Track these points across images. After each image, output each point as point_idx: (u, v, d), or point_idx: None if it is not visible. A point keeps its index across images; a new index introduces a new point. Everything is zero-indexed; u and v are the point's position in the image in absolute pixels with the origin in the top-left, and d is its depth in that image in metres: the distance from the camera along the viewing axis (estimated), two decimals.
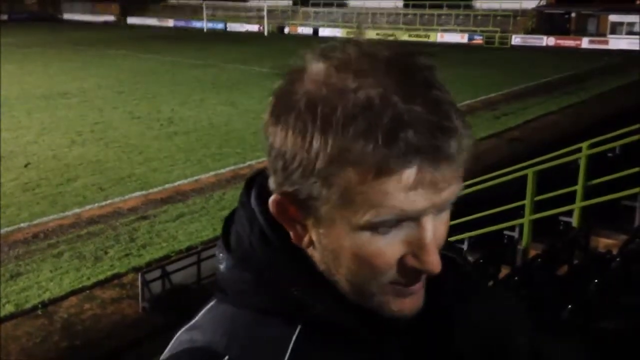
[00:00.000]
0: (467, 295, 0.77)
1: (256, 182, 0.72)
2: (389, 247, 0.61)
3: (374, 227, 0.60)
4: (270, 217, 0.67)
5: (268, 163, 0.65)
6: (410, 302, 0.66)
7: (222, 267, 0.71)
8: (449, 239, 0.67)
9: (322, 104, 0.58)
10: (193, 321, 0.71)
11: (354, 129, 0.56)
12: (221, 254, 0.71)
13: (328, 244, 0.63)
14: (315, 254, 0.66)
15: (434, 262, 0.62)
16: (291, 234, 0.66)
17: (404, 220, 0.60)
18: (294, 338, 0.66)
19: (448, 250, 0.78)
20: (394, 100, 0.56)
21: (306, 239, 0.65)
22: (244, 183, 0.74)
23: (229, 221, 0.73)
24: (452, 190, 0.60)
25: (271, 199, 0.65)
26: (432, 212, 0.61)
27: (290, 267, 0.67)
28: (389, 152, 0.56)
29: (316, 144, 0.58)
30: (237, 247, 0.70)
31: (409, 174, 0.57)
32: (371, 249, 0.61)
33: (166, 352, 0.69)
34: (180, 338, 0.69)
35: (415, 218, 0.60)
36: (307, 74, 0.60)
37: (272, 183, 0.65)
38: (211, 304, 0.71)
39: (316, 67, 0.60)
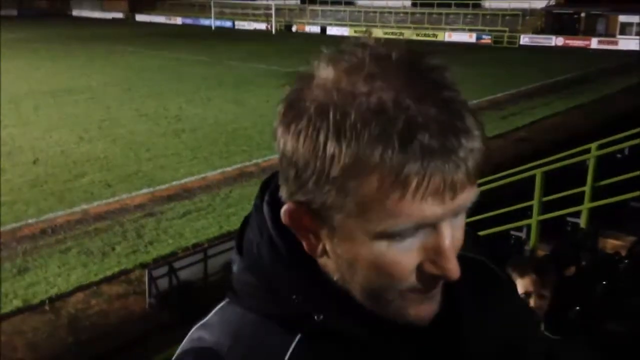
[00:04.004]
0: (486, 298, 0.77)
1: (269, 186, 0.71)
2: (406, 255, 0.60)
3: (390, 236, 0.59)
4: (280, 224, 0.66)
5: (280, 172, 0.63)
6: (428, 307, 0.65)
7: (234, 268, 0.72)
8: (479, 235, 0.66)
9: (333, 110, 0.56)
10: (206, 318, 0.72)
11: (369, 134, 0.54)
12: (234, 256, 0.72)
13: (343, 253, 0.62)
14: (329, 264, 0.65)
15: (453, 269, 0.61)
16: (304, 243, 0.65)
17: (421, 227, 0.59)
18: (292, 347, 0.66)
19: (475, 251, 0.78)
20: (406, 103, 0.55)
21: (319, 249, 0.64)
22: (259, 186, 0.73)
23: (245, 223, 0.73)
24: (468, 194, 0.59)
25: (283, 208, 0.63)
26: (448, 217, 0.60)
27: (294, 276, 0.66)
28: (405, 157, 0.54)
29: (329, 151, 0.56)
30: (247, 251, 0.70)
31: (426, 179, 0.55)
32: (388, 258, 0.60)
33: (180, 347, 0.71)
34: (192, 335, 0.71)
35: (432, 224, 0.59)
36: (316, 80, 0.59)
37: (284, 192, 0.63)
38: (223, 303, 0.73)
39: (325, 72, 0.58)
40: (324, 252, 0.64)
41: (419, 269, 0.61)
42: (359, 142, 0.55)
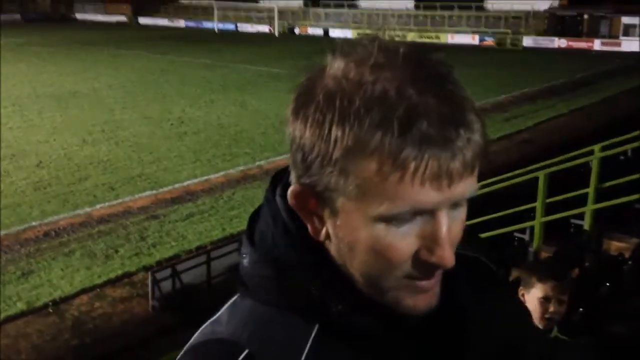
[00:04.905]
0: (485, 296, 0.77)
1: (281, 179, 0.73)
2: (403, 241, 0.62)
3: (388, 220, 0.61)
4: (294, 214, 0.68)
5: (289, 157, 0.66)
6: (425, 299, 0.66)
7: (245, 261, 0.71)
8: (480, 237, 0.67)
9: (340, 97, 0.59)
10: (217, 315, 0.72)
11: (370, 119, 0.57)
12: (245, 249, 0.72)
13: (344, 236, 0.64)
14: (331, 247, 0.67)
15: (448, 257, 0.62)
16: (309, 226, 0.67)
17: (418, 213, 0.61)
18: (311, 337, 0.67)
19: (473, 249, 0.78)
20: (409, 92, 0.58)
21: (323, 232, 0.66)
22: (270, 179, 0.75)
23: (254, 217, 0.74)
24: (466, 185, 0.61)
25: (290, 189, 0.66)
26: (446, 207, 0.61)
27: (310, 265, 0.67)
28: (403, 142, 0.57)
29: (333, 134, 0.59)
30: (260, 242, 0.71)
31: (423, 165, 0.57)
32: (386, 242, 0.62)
33: (189, 343, 0.70)
34: (203, 330, 0.71)
35: (429, 212, 0.61)
36: (327, 70, 0.62)
37: (292, 176, 0.66)
38: (234, 298, 0.72)
39: (336, 64, 0.62)
40: (327, 235, 0.66)
41: (415, 255, 0.63)
42: (361, 127, 0.58)
